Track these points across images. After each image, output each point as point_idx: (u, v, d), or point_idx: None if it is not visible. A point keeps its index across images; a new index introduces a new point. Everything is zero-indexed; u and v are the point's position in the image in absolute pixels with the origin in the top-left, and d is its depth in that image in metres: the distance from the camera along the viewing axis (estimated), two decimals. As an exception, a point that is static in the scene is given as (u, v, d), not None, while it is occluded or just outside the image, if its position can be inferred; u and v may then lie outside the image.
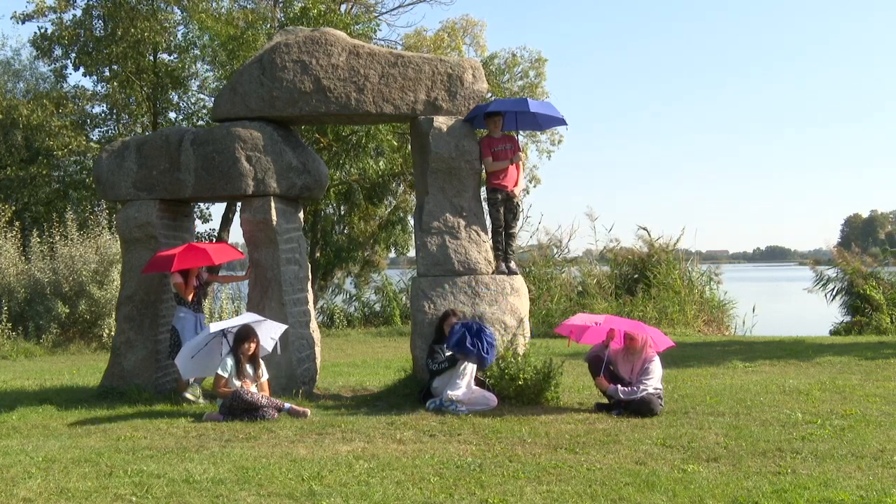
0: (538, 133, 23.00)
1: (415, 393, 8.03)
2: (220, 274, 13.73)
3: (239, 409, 7.28)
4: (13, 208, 19.70)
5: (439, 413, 7.36)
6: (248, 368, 7.61)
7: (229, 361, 7.56)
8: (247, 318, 7.95)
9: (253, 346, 7.60)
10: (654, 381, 7.39)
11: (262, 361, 7.76)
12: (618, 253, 19.81)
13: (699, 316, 17.84)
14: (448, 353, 7.72)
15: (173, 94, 21.90)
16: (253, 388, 7.47)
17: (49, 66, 21.72)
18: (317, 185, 8.98)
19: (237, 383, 7.44)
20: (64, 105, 20.99)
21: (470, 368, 7.62)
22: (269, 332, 7.99)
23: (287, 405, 7.42)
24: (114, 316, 12.89)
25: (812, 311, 20.84)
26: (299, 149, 8.91)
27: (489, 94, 18.37)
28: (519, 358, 7.97)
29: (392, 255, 22.81)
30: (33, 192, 20.82)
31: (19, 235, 16.84)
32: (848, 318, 17.68)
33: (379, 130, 17.51)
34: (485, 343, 7.53)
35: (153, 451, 6.12)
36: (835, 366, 10.26)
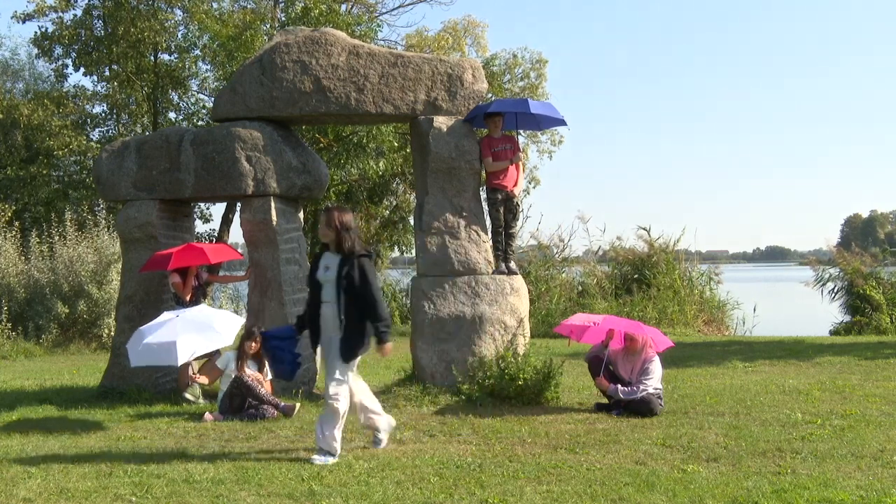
0: (538, 133, 23.01)
1: (415, 393, 8.03)
2: (220, 274, 13.76)
3: (238, 395, 7.32)
4: (13, 208, 19.68)
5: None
6: (252, 366, 7.65)
7: (230, 355, 7.63)
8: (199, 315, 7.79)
9: (255, 344, 7.61)
10: (654, 381, 7.39)
11: (266, 361, 7.78)
12: (619, 252, 19.81)
13: (699, 316, 17.84)
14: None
15: (173, 94, 21.90)
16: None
17: (50, 65, 21.73)
18: (317, 185, 8.98)
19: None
20: (64, 105, 20.98)
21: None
22: (220, 329, 7.69)
23: (281, 403, 7.44)
24: (113, 316, 12.89)
25: (812, 311, 20.84)
26: (299, 149, 8.92)
27: (489, 95, 18.38)
28: (519, 358, 7.97)
29: (395, 254, 22.82)
30: (33, 192, 20.78)
31: (19, 235, 16.83)
32: (848, 318, 17.68)
33: (380, 131, 17.51)
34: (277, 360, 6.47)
35: (153, 451, 6.13)
36: (835, 366, 10.26)
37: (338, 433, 5.85)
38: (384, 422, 6.23)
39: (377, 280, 5.96)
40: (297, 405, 7.45)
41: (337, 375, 5.81)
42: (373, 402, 6.20)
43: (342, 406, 5.81)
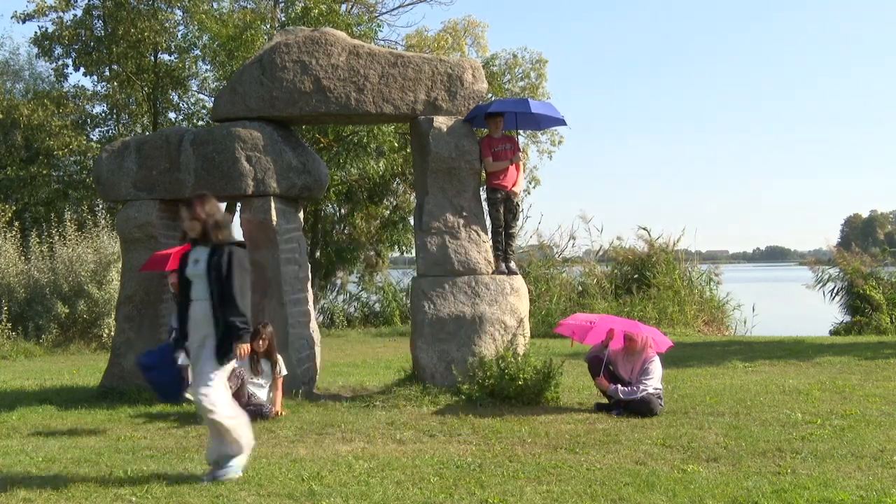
0: (538, 133, 23.01)
1: (415, 393, 8.03)
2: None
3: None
4: (13, 208, 19.68)
5: None
6: (264, 365, 7.64)
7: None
8: None
9: (263, 342, 7.59)
10: (654, 381, 7.39)
11: (279, 357, 7.77)
12: (619, 252, 19.82)
13: (699, 316, 17.84)
14: None
15: (173, 94, 21.91)
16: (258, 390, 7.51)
17: (50, 65, 21.75)
18: (317, 185, 8.98)
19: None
20: (64, 105, 20.99)
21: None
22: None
23: (266, 408, 7.44)
24: (113, 316, 12.88)
25: (812, 311, 20.84)
26: (299, 149, 8.92)
27: (489, 95, 18.38)
28: (519, 358, 7.98)
29: (395, 254, 22.83)
30: (33, 192, 20.80)
31: (19, 235, 16.83)
32: (848, 318, 17.68)
33: (381, 131, 17.52)
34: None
35: (153, 451, 6.13)
36: (835, 366, 10.26)
37: (242, 431, 5.32)
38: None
39: (246, 274, 5.39)
40: (277, 412, 7.46)
41: (208, 382, 5.27)
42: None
43: (220, 411, 5.26)
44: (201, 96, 22.41)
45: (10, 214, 18.37)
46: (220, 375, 5.35)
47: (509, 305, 8.34)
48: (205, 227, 5.38)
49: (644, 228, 19.64)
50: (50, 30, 20.61)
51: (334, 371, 10.77)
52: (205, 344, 5.35)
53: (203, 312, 5.34)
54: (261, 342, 7.58)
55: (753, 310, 18.93)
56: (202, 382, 5.28)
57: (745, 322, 18.78)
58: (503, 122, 8.64)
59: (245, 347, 5.36)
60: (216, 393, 5.29)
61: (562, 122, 8.87)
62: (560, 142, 24.11)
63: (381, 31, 21.77)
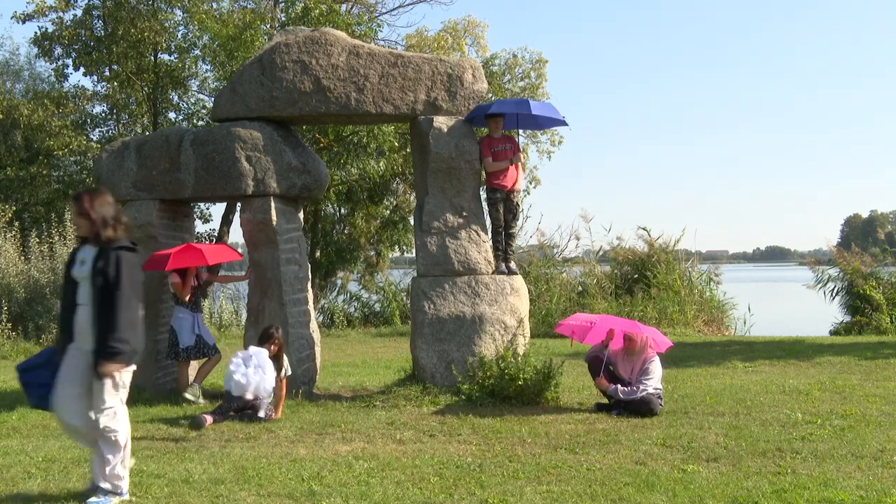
0: (538, 133, 23.01)
1: (415, 393, 8.03)
2: (220, 274, 13.76)
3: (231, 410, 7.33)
4: (13, 208, 19.68)
5: None
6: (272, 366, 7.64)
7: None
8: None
9: (274, 347, 7.59)
10: (654, 381, 7.39)
11: (286, 358, 7.78)
12: (619, 252, 19.81)
13: (699, 316, 17.82)
14: None
15: (173, 94, 21.90)
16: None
17: (50, 65, 21.76)
18: (317, 185, 8.99)
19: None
20: (64, 105, 20.99)
21: None
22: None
23: (262, 414, 7.41)
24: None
25: (812, 311, 20.83)
26: (299, 149, 8.92)
27: (489, 95, 18.38)
28: (519, 358, 7.98)
29: (395, 254, 22.84)
30: (33, 193, 20.80)
31: (19, 235, 16.83)
32: (848, 318, 17.65)
33: (381, 131, 17.53)
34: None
35: (153, 451, 6.13)
36: (835, 366, 10.26)
37: (121, 468, 4.87)
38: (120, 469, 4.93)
39: (137, 283, 4.86)
40: (273, 415, 7.44)
41: (107, 404, 4.77)
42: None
43: (122, 437, 4.84)
44: (201, 96, 22.42)
45: (10, 214, 18.36)
46: (117, 395, 4.82)
47: (509, 305, 8.34)
48: (94, 225, 4.83)
49: (644, 228, 19.64)
50: (50, 30, 20.60)
51: (334, 371, 10.77)
52: (87, 356, 4.80)
53: (87, 319, 4.79)
54: (272, 347, 7.58)
55: (749, 310, 18.94)
56: (99, 407, 4.79)
57: (744, 322, 18.78)
58: (503, 123, 8.65)
59: (108, 367, 4.71)
60: (117, 416, 4.84)
61: (562, 123, 8.88)
62: (560, 142, 24.10)
63: (381, 31, 21.81)
